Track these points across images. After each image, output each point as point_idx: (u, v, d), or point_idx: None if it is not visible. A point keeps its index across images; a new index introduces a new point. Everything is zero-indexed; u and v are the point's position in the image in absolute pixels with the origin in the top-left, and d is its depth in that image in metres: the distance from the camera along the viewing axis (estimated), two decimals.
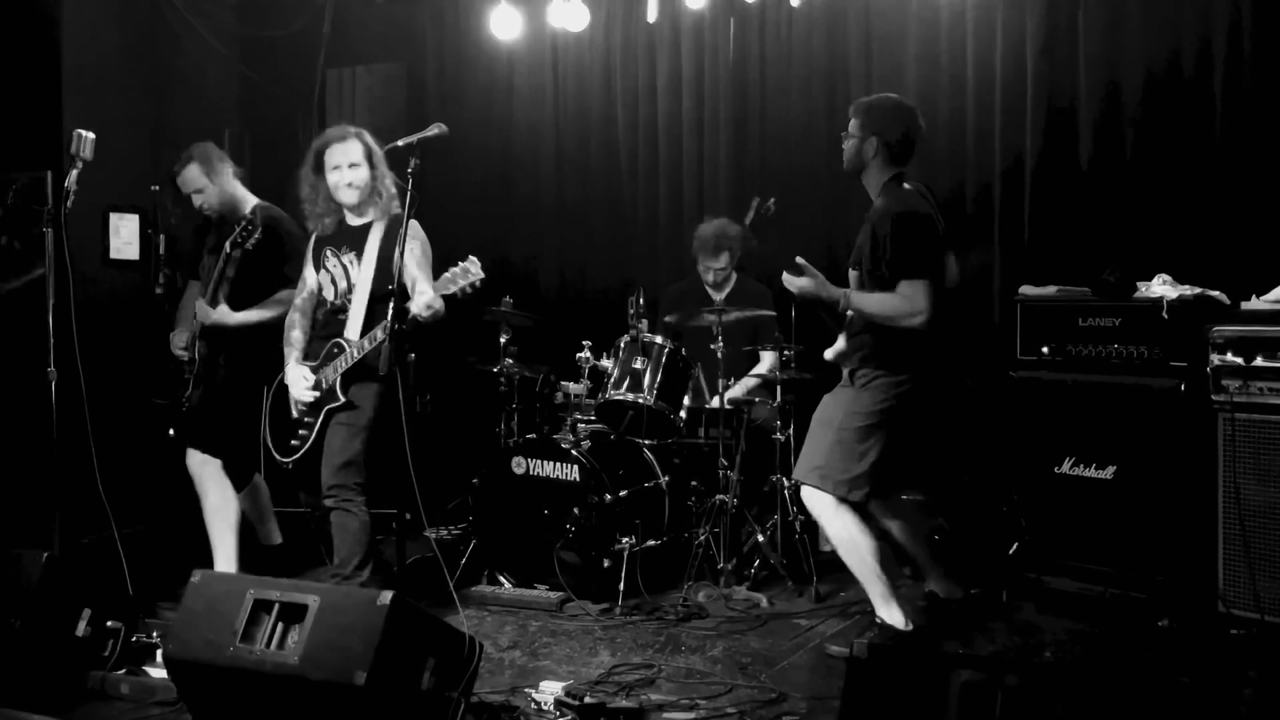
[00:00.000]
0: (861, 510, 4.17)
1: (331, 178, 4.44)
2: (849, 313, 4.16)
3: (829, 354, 4.38)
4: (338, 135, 4.49)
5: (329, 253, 4.52)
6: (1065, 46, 5.52)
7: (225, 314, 4.75)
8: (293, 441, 4.49)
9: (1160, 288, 4.54)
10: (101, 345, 4.68)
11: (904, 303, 3.98)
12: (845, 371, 4.26)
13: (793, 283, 4.17)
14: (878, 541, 4.16)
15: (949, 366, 4.27)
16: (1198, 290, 4.49)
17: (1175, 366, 4.39)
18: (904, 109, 4.24)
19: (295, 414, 4.48)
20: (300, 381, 4.43)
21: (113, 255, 6.03)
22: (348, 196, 4.45)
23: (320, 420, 4.41)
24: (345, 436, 4.34)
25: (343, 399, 4.36)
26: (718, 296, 5.75)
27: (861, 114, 4.23)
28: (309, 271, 4.61)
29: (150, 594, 4.47)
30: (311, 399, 4.42)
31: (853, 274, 4.25)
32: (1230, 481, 4.16)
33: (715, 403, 5.30)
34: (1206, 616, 4.20)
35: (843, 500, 4.10)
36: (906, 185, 4.17)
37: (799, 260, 4.18)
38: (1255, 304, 4.33)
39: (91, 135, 4.31)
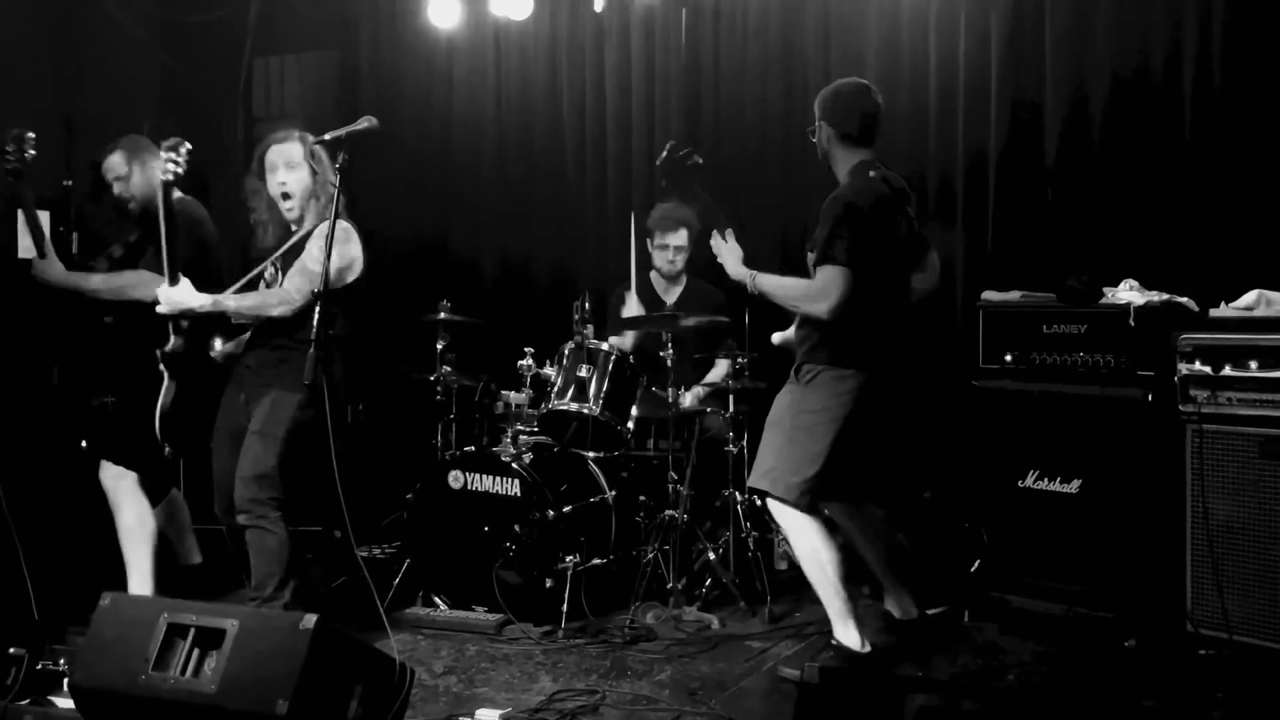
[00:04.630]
0: (826, 519, 4.20)
1: (270, 181, 4.41)
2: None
3: (776, 338, 4.48)
4: (278, 137, 4.46)
5: (268, 262, 4.47)
6: (1031, 40, 5.58)
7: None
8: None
9: (1127, 294, 4.59)
10: (7, 350, 4.61)
11: (810, 288, 4.07)
12: (793, 368, 4.31)
13: (716, 247, 4.40)
14: (841, 556, 4.19)
15: (907, 368, 4.31)
16: (1166, 296, 4.54)
17: (1142, 376, 4.44)
18: (854, 88, 4.30)
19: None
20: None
21: (22, 254, 5.92)
22: (285, 202, 4.40)
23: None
24: (259, 448, 4.26)
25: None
26: (668, 299, 5.75)
27: (816, 103, 4.33)
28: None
29: (58, 618, 4.38)
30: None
31: (810, 258, 4.27)
32: (1198, 496, 4.22)
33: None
34: (1174, 636, 4.25)
35: (794, 505, 4.13)
36: (872, 173, 4.20)
37: (723, 234, 4.41)
38: (1224, 311, 4.39)
39: None
